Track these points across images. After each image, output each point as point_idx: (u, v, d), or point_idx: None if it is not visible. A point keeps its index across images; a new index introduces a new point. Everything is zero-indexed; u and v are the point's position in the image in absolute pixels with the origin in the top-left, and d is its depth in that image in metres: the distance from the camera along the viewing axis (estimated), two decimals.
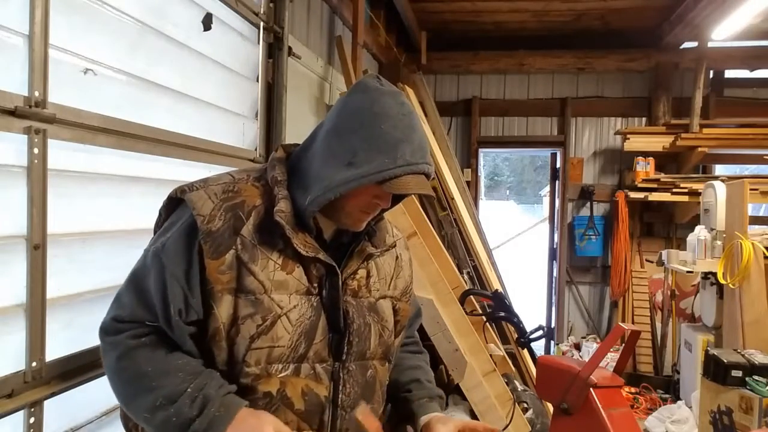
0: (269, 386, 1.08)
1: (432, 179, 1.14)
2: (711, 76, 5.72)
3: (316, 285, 1.13)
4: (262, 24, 2.48)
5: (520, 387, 3.04)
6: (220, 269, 1.05)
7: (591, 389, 2.02)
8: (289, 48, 2.70)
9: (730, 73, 5.87)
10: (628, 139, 5.51)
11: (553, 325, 6.27)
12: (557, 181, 6.24)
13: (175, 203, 1.13)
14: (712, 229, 4.12)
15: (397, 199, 1.18)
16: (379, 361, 1.24)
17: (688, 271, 4.25)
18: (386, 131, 1.05)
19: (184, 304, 1.06)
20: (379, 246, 1.23)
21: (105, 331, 1.11)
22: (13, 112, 1.22)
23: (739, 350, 3.12)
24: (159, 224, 1.18)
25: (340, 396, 1.15)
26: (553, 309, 6.36)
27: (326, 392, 1.13)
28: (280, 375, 1.09)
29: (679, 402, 4.16)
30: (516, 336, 3.09)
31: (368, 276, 1.21)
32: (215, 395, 1.02)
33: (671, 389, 4.73)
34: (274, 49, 2.62)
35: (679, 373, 4.62)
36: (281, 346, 1.08)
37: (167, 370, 1.04)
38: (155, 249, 1.09)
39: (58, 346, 1.37)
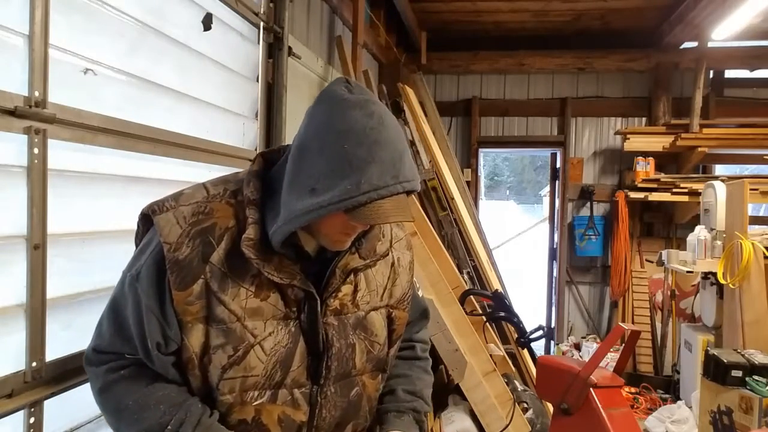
0: (244, 414, 1.06)
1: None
2: (711, 76, 5.72)
3: (294, 309, 1.07)
4: (262, 24, 2.48)
5: (520, 387, 3.04)
6: (187, 300, 1.00)
7: (591, 389, 2.02)
8: (289, 48, 2.70)
9: (730, 73, 5.87)
10: (628, 139, 5.51)
11: (553, 325, 6.27)
12: (557, 181, 6.24)
13: (148, 220, 1.07)
14: (712, 229, 4.12)
15: None
16: (369, 375, 1.19)
17: (688, 271, 4.25)
18: (350, 151, 0.93)
19: (162, 337, 1.02)
20: (368, 257, 1.15)
21: (87, 360, 1.09)
22: (13, 112, 1.22)
23: (739, 350, 3.12)
24: (138, 237, 1.13)
25: (315, 420, 1.12)
26: (553, 309, 6.36)
27: (304, 417, 1.11)
28: (255, 403, 1.06)
29: (679, 402, 4.16)
30: (516, 336, 3.09)
31: (355, 290, 1.15)
32: (199, 424, 1.01)
33: (671, 389, 4.73)
34: (274, 49, 2.62)
35: (679, 373, 4.62)
36: (255, 375, 1.04)
37: (147, 403, 1.03)
38: (131, 277, 1.04)
39: (58, 346, 1.37)
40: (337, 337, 1.11)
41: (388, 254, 1.22)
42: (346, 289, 1.13)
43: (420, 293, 1.40)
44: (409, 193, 1.00)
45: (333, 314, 1.11)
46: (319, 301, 1.08)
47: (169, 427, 1.01)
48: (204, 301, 1.01)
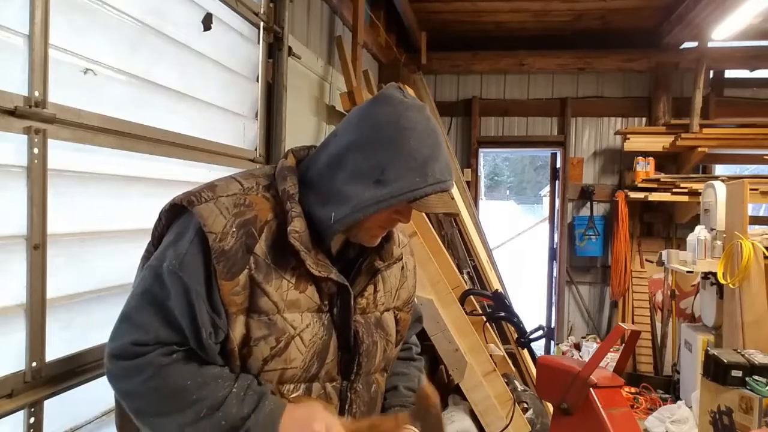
0: None
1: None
2: (711, 76, 5.72)
3: (327, 302, 1.09)
4: (262, 24, 2.48)
5: (520, 387, 3.05)
6: (234, 290, 1.00)
7: (591, 389, 2.03)
8: (289, 48, 2.70)
9: (730, 73, 5.87)
10: (628, 139, 5.51)
11: (553, 325, 6.27)
12: (557, 181, 6.24)
13: (177, 211, 1.06)
14: (712, 229, 4.12)
15: None
16: (380, 374, 1.23)
17: (688, 271, 4.25)
18: (415, 147, 1.01)
19: (213, 326, 1.01)
20: (387, 259, 1.19)
21: (118, 356, 1.01)
22: (13, 112, 1.22)
23: (739, 350, 3.12)
24: (158, 229, 1.11)
25: (346, 416, 1.14)
26: (553, 309, 6.36)
27: (334, 411, 1.12)
28: (292, 395, 1.07)
29: (679, 402, 4.16)
30: (516, 336, 3.09)
31: (375, 291, 1.19)
32: (266, 390, 1.02)
33: (671, 389, 4.73)
34: (274, 49, 2.62)
35: (679, 373, 4.62)
36: (294, 367, 1.06)
37: (206, 381, 1.00)
38: (171, 267, 1.00)
39: (58, 346, 1.37)
40: (366, 334, 1.15)
41: (401, 258, 1.27)
42: (370, 289, 1.17)
43: (414, 299, 1.44)
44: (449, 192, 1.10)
45: (360, 312, 1.15)
46: (352, 295, 1.11)
47: (233, 390, 0.99)
48: (248, 292, 1.02)
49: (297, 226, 1.03)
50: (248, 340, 1.02)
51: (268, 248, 1.04)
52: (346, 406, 1.14)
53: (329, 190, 1.05)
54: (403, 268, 1.28)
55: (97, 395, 1.51)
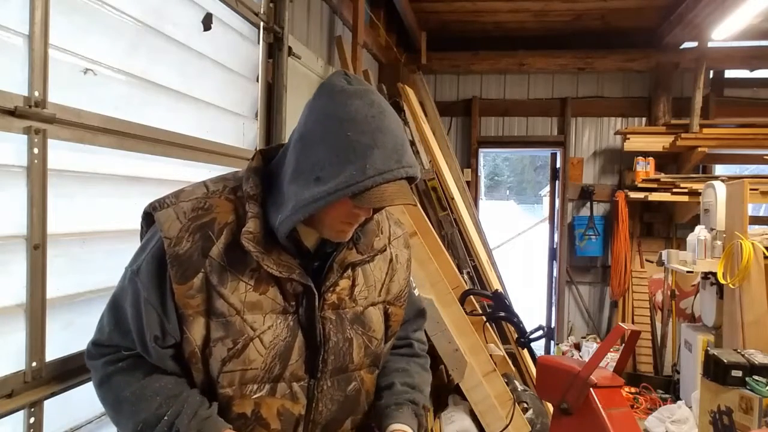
0: (243, 407, 1.07)
1: (432, 180, 1.10)
2: (711, 76, 5.72)
3: (293, 303, 1.08)
4: (262, 24, 2.48)
5: (520, 387, 3.04)
6: (188, 293, 1.02)
7: (591, 389, 2.02)
8: (289, 48, 2.70)
9: (730, 73, 5.88)
10: (628, 139, 5.51)
11: (553, 325, 6.27)
12: (557, 181, 6.24)
13: (150, 217, 1.09)
14: (712, 229, 4.12)
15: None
16: (367, 371, 1.20)
17: (688, 271, 4.25)
18: (353, 138, 0.95)
19: (161, 330, 1.04)
20: (366, 252, 1.17)
21: (88, 354, 1.12)
22: (13, 112, 1.21)
23: (739, 350, 3.12)
24: (141, 235, 1.16)
25: (312, 414, 1.13)
26: (553, 309, 6.36)
27: (302, 410, 1.11)
28: (255, 396, 1.07)
29: (679, 402, 4.16)
30: (516, 336, 3.09)
31: (353, 285, 1.15)
32: (186, 428, 1.01)
33: (671, 389, 4.73)
34: (274, 49, 2.61)
35: (679, 373, 4.62)
36: (254, 368, 1.05)
37: (144, 394, 1.04)
38: (132, 272, 1.06)
39: (58, 346, 1.37)
40: (334, 331, 1.12)
41: (386, 250, 1.23)
42: (344, 283, 1.14)
43: (416, 292, 1.41)
44: (411, 180, 1.02)
45: (331, 308, 1.12)
46: (316, 295, 1.09)
47: (165, 418, 1.01)
48: (204, 295, 1.03)
49: (251, 227, 1.03)
50: (208, 341, 1.04)
51: (225, 250, 1.04)
52: (312, 405, 1.12)
53: (279, 190, 1.04)
54: (391, 260, 1.24)
55: (97, 395, 1.51)
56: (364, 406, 1.22)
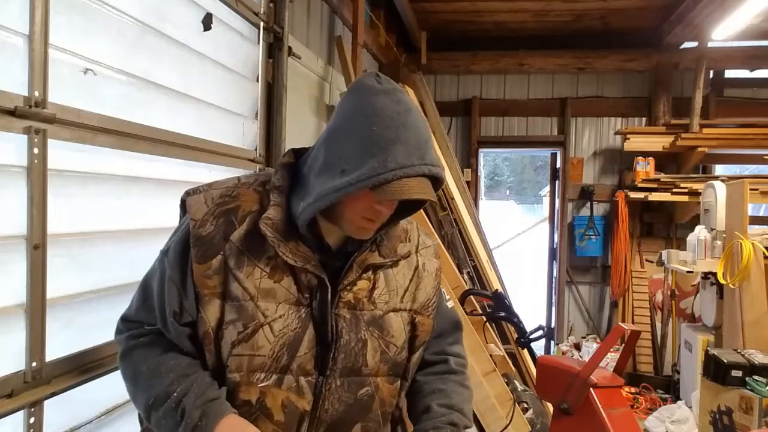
0: (249, 395, 1.07)
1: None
2: (711, 76, 5.72)
3: (307, 295, 1.09)
4: (262, 24, 2.48)
5: (520, 387, 3.05)
6: (205, 273, 1.05)
7: (591, 389, 2.03)
8: (289, 48, 2.70)
9: (730, 73, 5.87)
10: (628, 139, 5.51)
11: (553, 325, 6.27)
12: (557, 181, 6.24)
13: (185, 204, 1.14)
14: (712, 229, 4.12)
15: (411, 206, 1.13)
16: (385, 379, 1.17)
17: (688, 271, 4.25)
18: (378, 132, 0.98)
19: (179, 306, 1.08)
20: (388, 256, 1.16)
21: (116, 329, 1.17)
22: (13, 112, 1.21)
23: (739, 350, 3.12)
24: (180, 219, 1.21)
25: (318, 411, 1.11)
26: (553, 309, 6.36)
27: (307, 406, 1.10)
28: (261, 384, 1.07)
29: (679, 402, 4.16)
30: (516, 336, 3.10)
31: (373, 288, 1.15)
32: (191, 406, 1.02)
33: (671, 389, 4.73)
34: (274, 49, 2.61)
35: (679, 373, 4.62)
36: (261, 355, 1.06)
37: (160, 370, 1.07)
38: (162, 252, 1.13)
39: (58, 346, 1.37)
40: (347, 329, 1.11)
41: (410, 256, 1.22)
42: (363, 284, 1.14)
43: (450, 304, 1.39)
44: (434, 179, 1.03)
45: (346, 307, 1.12)
46: (329, 290, 1.10)
47: (174, 395, 1.04)
48: (221, 277, 1.06)
49: (271, 213, 1.07)
50: (221, 324, 1.06)
51: (244, 236, 1.08)
52: (319, 403, 1.11)
53: (308, 185, 1.07)
54: (417, 268, 1.23)
55: (97, 395, 1.51)
56: (377, 415, 1.18)
